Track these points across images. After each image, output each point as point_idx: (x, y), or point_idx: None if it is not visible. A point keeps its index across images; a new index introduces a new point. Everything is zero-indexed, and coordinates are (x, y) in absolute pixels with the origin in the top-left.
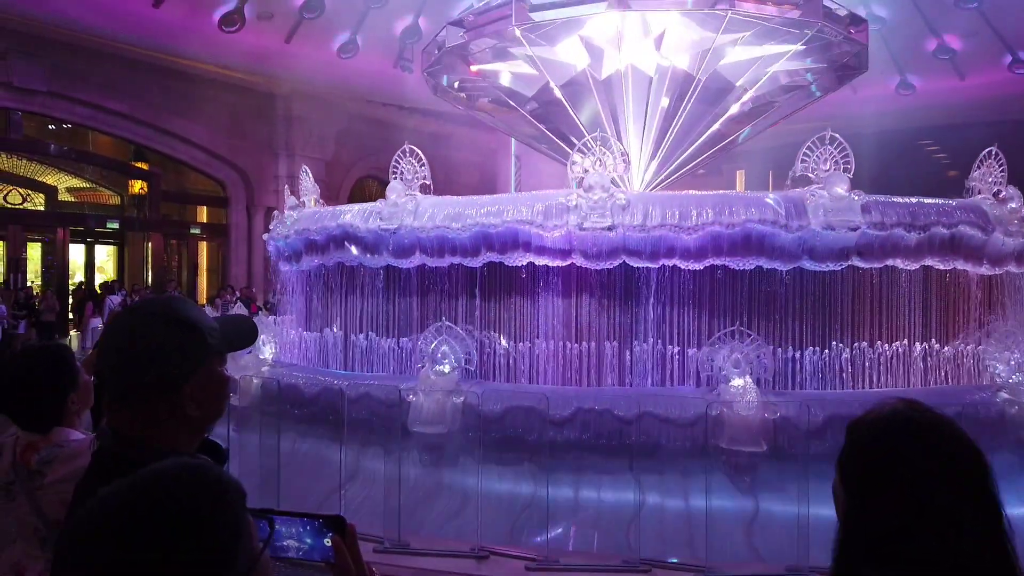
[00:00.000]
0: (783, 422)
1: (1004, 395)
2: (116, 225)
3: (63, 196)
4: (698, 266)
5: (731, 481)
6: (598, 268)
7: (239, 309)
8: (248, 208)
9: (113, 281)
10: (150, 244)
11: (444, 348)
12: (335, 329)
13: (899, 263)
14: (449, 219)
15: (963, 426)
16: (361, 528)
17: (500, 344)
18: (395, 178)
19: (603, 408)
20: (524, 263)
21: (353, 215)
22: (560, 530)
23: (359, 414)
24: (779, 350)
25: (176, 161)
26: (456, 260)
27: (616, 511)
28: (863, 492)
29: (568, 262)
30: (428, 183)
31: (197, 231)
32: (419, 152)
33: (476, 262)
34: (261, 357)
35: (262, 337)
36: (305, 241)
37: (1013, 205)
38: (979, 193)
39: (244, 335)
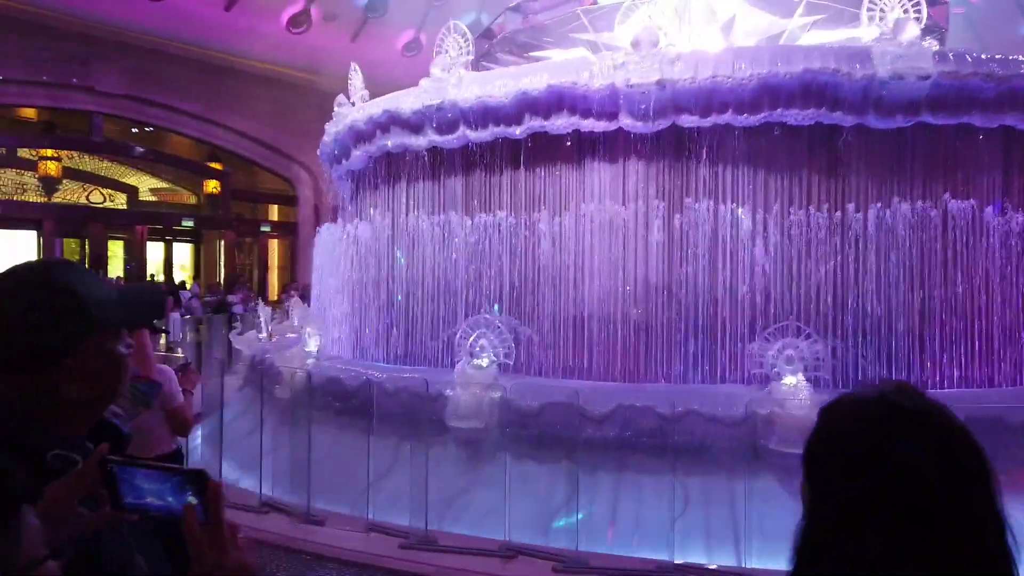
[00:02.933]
0: None
1: None
2: (191, 223)
3: (144, 196)
4: (753, 121)
5: (781, 485)
6: (647, 131)
7: (297, 303)
8: (316, 206)
9: (180, 282)
10: (223, 242)
11: (483, 342)
12: (384, 215)
13: (976, 121)
14: (492, 87)
15: None
16: (393, 523)
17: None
18: (440, 55)
19: (644, 405)
20: (569, 129)
21: (396, 97)
22: (597, 531)
23: (396, 408)
24: (838, 212)
25: (246, 160)
26: (499, 131)
27: (657, 513)
28: (831, 486)
29: (615, 125)
30: (471, 58)
31: (267, 229)
32: (464, 28)
33: (520, 131)
34: (306, 350)
35: (307, 329)
36: (353, 134)
37: None
38: None
39: (149, 308)
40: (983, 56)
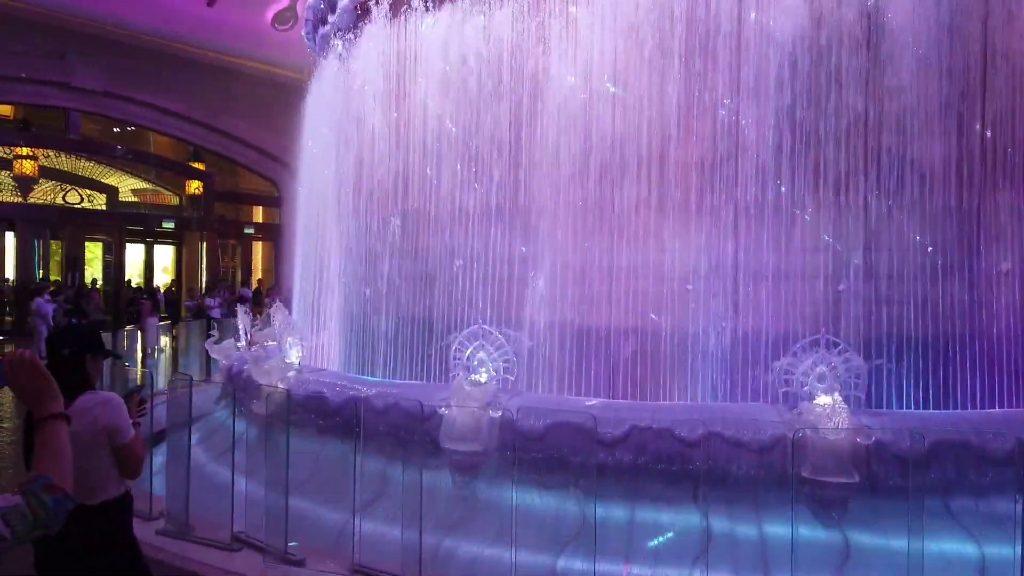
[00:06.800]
0: (878, 447)
1: None
2: (172, 225)
3: (125, 196)
4: None
5: (815, 517)
6: None
7: (280, 308)
8: None
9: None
10: (205, 244)
11: (481, 355)
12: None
13: None
14: None
15: None
16: (382, 563)
17: None
18: None
19: (661, 428)
20: None
21: None
22: (610, 568)
23: (386, 427)
24: None
25: (230, 160)
26: None
27: (678, 548)
28: None
29: None
30: None
31: (251, 231)
32: None
33: None
34: (287, 361)
35: (288, 339)
36: None
37: None
38: None
39: None
40: None
